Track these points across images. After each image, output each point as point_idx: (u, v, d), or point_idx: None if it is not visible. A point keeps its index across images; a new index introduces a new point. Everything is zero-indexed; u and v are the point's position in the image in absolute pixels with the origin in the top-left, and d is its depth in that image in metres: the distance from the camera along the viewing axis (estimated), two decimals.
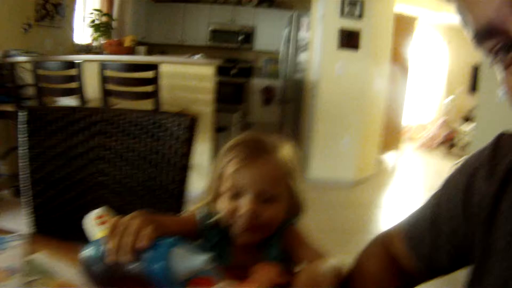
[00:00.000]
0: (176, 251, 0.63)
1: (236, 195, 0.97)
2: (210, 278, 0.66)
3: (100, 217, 0.92)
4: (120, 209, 1.45)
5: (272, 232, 1.03)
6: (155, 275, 0.62)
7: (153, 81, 3.40)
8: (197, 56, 4.78)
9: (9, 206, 3.61)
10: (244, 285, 0.83)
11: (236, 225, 0.98)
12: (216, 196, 1.01)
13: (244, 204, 0.95)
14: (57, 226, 1.49)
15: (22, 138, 1.44)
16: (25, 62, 3.94)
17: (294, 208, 1.06)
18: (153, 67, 3.40)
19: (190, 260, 0.62)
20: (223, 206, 0.99)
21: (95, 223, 0.91)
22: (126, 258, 0.64)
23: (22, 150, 1.45)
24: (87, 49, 5.89)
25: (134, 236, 0.67)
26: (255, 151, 0.98)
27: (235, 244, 1.04)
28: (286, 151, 1.03)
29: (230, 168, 0.97)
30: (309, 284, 0.77)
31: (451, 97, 6.51)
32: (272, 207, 0.97)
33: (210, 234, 1.04)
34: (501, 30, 0.49)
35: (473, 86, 6.69)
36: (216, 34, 8.30)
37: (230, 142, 1.03)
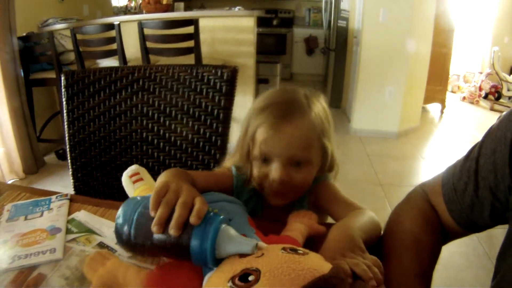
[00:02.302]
0: (225, 231, 0.60)
1: (267, 160, 0.95)
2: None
3: (134, 174, 0.92)
4: (164, 163, 1.50)
5: (304, 193, 1.01)
6: (198, 251, 0.59)
7: (193, 36, 3.39)
8: (236, 8, 4.73)
9: (55, 169, 3.76)
10: (284, 235, 0.82)
11: (268, 190, 0.97)
12: (248, 157, 0.99)
13: (275, 170, 0.93)
14: (99, 185, 1.53)
15: (65, 102, 1.47)
16: (64, 29, 3.99)
17: (327, 166, 1.02)
18: (193, 22, 3.37)
19: (237, 243, 0.59)
20: (254, 169, 0.98)
21: (130, 181, 0.91)
22: (176, 232, 0.61)
23: (66, 114, 1.48)
24: (125, 10, 5.92)
25: (188, 209, 0.63)
26: (286, 114, 0.93)
27: (266, 200, 1.03)
28: (319, 108, 0.99)
29: (260, 134, 0.94)
30: (341, 241, 0.74)
31: (497, 47, 6.20)
32: (303, 171, 0.95)
33: (243, 191, 1.04)
34: None
35: None
36: None
37: (262, 101, 0.99)
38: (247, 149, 0.98)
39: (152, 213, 0.64)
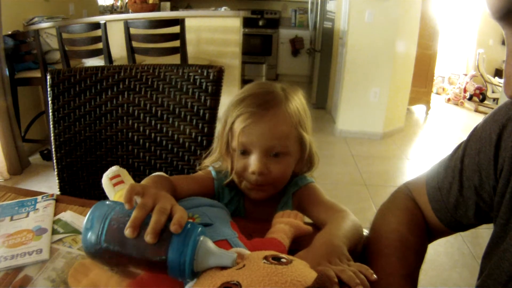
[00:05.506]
0: (204, 244, 0.58)
1: (245, 151, 0.95)
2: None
3: (114, 177, 0.91)
4: (149, 163, 1.50)
5: (283, 186, 1.02)
6: (176, 264, 0.56)
7: (179, 36, 3.39)
8: (222, 8, 4.73)
9: (40, 169, 3.71)
10: (269, 238, 0.82)
11: (247, 182, 0.98)
12: (227, 149, 1.00)
13: (253, 161, 0.94)
14: (85, 185, 1.52)
15: (50, 101, 1.47)
16: (49, 27, 3.96)
17: (306, 160, 1.03)
18: (179, 21, 3.37)
19: (217, 256, 0.57)
20: (234, 163, 0.98)
21: (110, 184, 0.90)
22: (152, 239, 0.57)
23: (51, 114, 1.47)
24: (111, 9, 5.90)
25: (166, 216, 0.60)
26: (264, 105, 0.94)
27: (248, 200, 1.04)
28: (297, 101, 1.00)
29: (239, 125, 0.94)
30: (327, 249, 0.73)
31: (482, 50, 6.27)
32: (282, 162, 0.96)
33: (224, 193, 1.05)
34: None
35: None
36: None
37: (240, 94, 0.99)
38: (226, 141, 0.99)
39: (126, 206, 0.60)
